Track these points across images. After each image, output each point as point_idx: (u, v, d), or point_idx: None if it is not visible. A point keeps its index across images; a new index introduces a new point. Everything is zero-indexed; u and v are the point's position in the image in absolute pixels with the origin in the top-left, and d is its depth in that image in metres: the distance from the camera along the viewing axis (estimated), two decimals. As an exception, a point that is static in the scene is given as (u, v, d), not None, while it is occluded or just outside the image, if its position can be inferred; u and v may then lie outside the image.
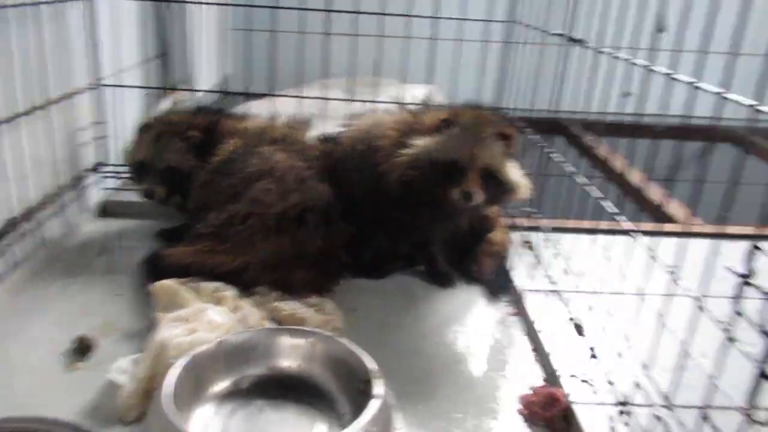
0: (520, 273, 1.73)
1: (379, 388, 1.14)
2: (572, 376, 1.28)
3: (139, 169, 1.89)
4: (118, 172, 2.18)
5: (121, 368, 1.25)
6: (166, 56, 2.71)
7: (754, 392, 0.79)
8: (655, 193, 1.99)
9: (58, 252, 1.82)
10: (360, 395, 1.19)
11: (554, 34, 1.71)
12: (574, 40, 1.58)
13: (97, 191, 2.15)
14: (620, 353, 1.16)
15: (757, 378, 0.79)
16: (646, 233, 1.16)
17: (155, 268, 1.61)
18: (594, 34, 1.51)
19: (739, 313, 0.83)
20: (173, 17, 2.69)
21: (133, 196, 2.00)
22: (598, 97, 1.40)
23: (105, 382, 1.25)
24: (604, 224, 1.55)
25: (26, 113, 1.66)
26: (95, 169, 2.13)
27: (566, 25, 1.59)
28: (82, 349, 1.37)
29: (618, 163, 2.12)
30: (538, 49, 1.86)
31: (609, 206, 1.29)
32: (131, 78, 2.31)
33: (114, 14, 2.02)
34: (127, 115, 2.19)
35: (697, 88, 1.01)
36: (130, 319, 1.51)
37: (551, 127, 1.68)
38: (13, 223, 1.64)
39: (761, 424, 0.86)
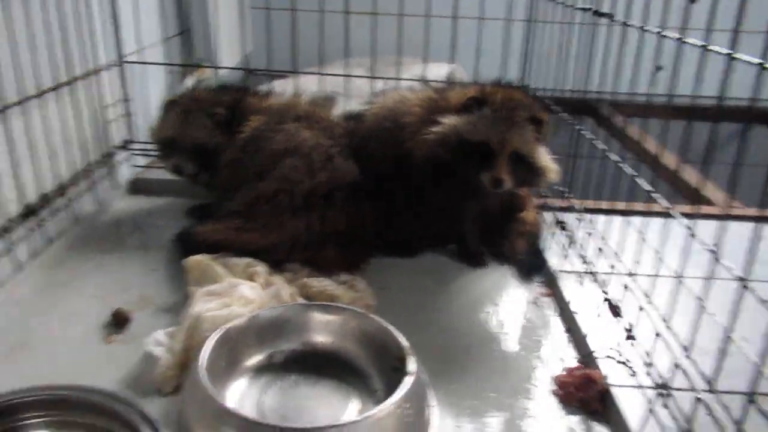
0: (553, 253, 1.71)
1: (412, 365, 1.14)
2: (608, 357, 1.27)
3: (167, 145, 1.90)
4: (146, 150, 2.19)
5: (158, 341, 1.26)
6: (187, 34, 2.70)
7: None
8: (690, 175, 1.96)
9: (91, 228, 1.84)
10: (393, 372, 1.19)
11: (580, 9, 1.68)
12: (601, 14, 1.54)
13: (126, 168, 2.16)
14: (658, 334, 1.15)
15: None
16: (683, 215, 1.14)
17: (186, 245, 1.62)
18: (621, 8, 1.47)
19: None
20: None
21: (162, 174, 2.01)
22: (627, 76, 1.37)
23: (142, 354, 1.26)
24: (638, 205, 1.53)
25: (53, 89, 1.67)
26: (124, 146, 2.14)
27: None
28: (118, 322, 1.38)
29: (650, 144, 2.09)
30: (562, 25, 1.81)
31: (644, 184, 1.27)
32: (154, 55, 2.30)
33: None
34: (151, 92, 2.19)
35: (733, 59, 0.94)
36: (164, 293, 1.52)
37: (579, 107, 1.65)
38: (46, 199, 1.65)
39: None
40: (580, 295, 1.51)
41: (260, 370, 1.24)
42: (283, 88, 2.12)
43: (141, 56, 2.13)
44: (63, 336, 1.36)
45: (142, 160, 2.21)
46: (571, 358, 1.36)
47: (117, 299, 1.47)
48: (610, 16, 1.45)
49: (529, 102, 1.65)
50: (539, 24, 2.03)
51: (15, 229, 1.53)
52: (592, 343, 1.33)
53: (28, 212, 1.58)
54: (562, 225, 1.71)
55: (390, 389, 1.14)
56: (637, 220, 1.40)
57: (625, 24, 1.34)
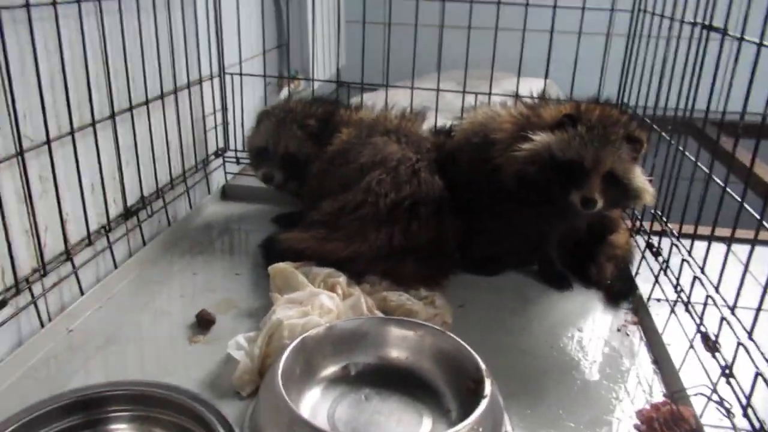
0: (644, 280, 1.62)
1: (489, 387, 1.11)
2: (700, 394, 1.18)
3: (259, 154, 1.96)
4: (238, 158, 2.28)
5: (238, 344, 1.29)
6: (285, 47, 2.79)
7: None
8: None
9: (183, 231, 1.93)
10: (468, 393, 1.16)
11: (689, 23, 1.58)
12: (712, 29, 1.44)
13: (220, 175, 2.26)
14: (759, 374, 1.06)
15: None
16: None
17: (271, 252, 1.67)
18: (734, 23, 1.37)
19: None
20: (292, 9, 2.77)
21: (252, 182, 2.08)
22: (739, 94, 1.28)
23: (223, 356, 1.31)
24: (742, 232, 1.43)
25: (159, 98, 1.77)
26: (218, 153, 2.24)
27: (701, 12, 1.46)
28: (203, 323, 1.44)
29: (761, 169, 1.93)
30: (667, 40, 1.72)
31: (752, 210, 1.17)
32: (252, 67, 2.40)
33: (237, 5, 2.11)
34: (248, 102, 2.28)
35: None
36: (247, 297, 1.57)
37: (682, 127, 1.56)
38: (145, 201, 1.75)
39: None
40: (671, 326, 1.41)
41: (334, 381, 1.25)
42: (373, 101, 2.15)
43: (240, 68, 2.22)
44: (151, 333, 1.43)
45: (234, 168, 2.30)
46: (657, 392, 1.28)
47: (203, 301, 1.53)
48: (723, 30, 1.36)
49: (626, 120, 1.58)
50: (641, 38, 1.94)
51: (115, 229, 1.62)
52: (684, 379, 1.24)
53: (128, 213, 1.67)
54: (655, 250, 1.62)
55: (464, 411, 1.12)
56: (740, 249, 1.30)
57: (741, 39, 1.25)
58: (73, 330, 1.40)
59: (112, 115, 1.56)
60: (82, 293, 1.48)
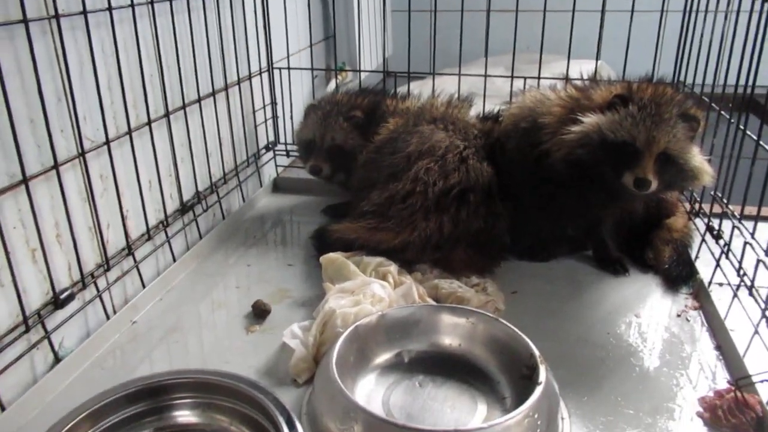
0: (705, 264, 1.57)
1: (543, 373, 1.10)
2: (766, 381, 1.14)
3: (307, 147, 1.99)
4: (288, 151, 2.31)
5: (294, 333, 1.32)
6: (332, 39, 2.81)
7: None
8: None
9: (237, 224, 1.97)
10: (523, 379, 1.16)
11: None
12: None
13: (271, 168, 2.30)
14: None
15: None
16: None
17: (322, 242, 1.69)
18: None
19: None
20: (338, 1, 2.79)
21: (302, 174, 2.11)
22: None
23: (279, 345, 1.34)
24: (809, 213, 1.36)
25: (210, 95, 1.81)
26: (269, 147, 2.27)
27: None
28: (258, 313, 1.47)
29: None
30: (726, 14, 1.65)
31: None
32: (300, 60, 2.42)
33: (284, 1, 2.13)
34: (297, 96, 2.31)
35: None
36: (300, 287, 1.60)
37: (744, 104, 1.50)
38: (199, 196, 1.80)
39: None
40: (734, 311, 1.37)
41: (388, 368, 1.26)
42: (420, 89, 2.14)
43: (288, 62, 2.25)
44: (210, 324, 1.47)
45: (285, 160, 2.33)
46: (721, 379, 1.24)
47: (258, 291, 1.57)
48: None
49: (681, 98, 1.52)
50: (698, 14, 1.86)
51: (173, 224, 1.68)
52: (748, 365, 1.20)
53: (184, 208, 1.73)
54: (716, 233, 1.56)
55: (519, 397, 1.12)
56: (807, 230, 1.24)
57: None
58: (137, 321, 1.46)
59: (167, 114, 1.61)
60: (144, 286, 1.54)
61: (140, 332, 1.42)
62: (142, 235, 1.56)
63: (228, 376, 1.14)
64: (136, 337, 1.40)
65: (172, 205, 1.69)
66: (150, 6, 1.51)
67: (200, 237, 1.80)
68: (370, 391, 1.20)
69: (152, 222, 1.59)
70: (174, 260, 1.67)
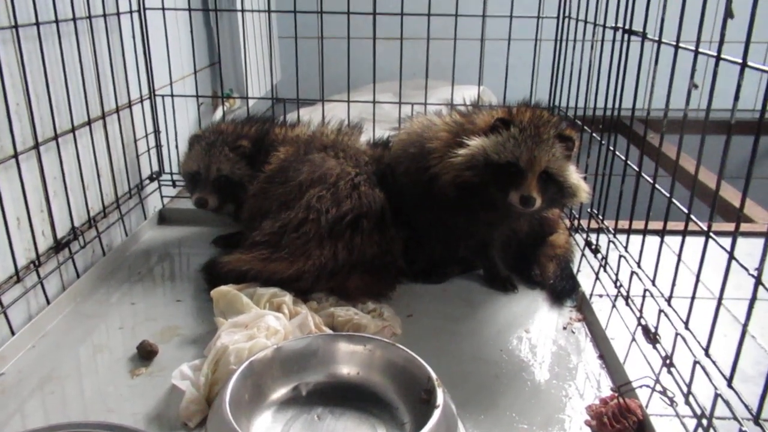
0: (585, 277, 1.66)
1: (441, 396, 1.10)
2: (645, 386, 1.21)
3: (192, 179, 1.93)
4: (174, 181, 2.22)
5: (183, 373, 1.26)
6: (218, 65, 2.75)
7: None
8: (728, 193, 1.89)
9: (120, 259, 1.86)
10: (421, 404, 1.16)
11: (610, 27, 1.65)
12: (632, 33, 1.50)
13: (156, 199, 2.19)
14: (697, 362, 1.09)
15: None
16: (721, 233, 1.08)
17: (213, 275, 1.63)
18: (653, 27, 1.43)
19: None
20: (222, 26, 2.73)
21: (190, 204, 2.03)
22: (661, 92, 1.33)
23: (168, 388, 1.26)
24: (673, 225, 1.48)
25: (86, 124, 1.71)
26: (153, 177, 2.17)
27: (622, 17, 1.52)
28: (145, 354, 1.38)
29: (686, 162, 2.02)
30: (592, 44, 1.79)
31: (680, 206, 1.22)
32: (184, 87, 2.35)
33: (165, 25, 2.06)
34: (182, 123, 2.23)
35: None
36: (190, 324, 1.53)
37: (611, 125, 1.61)
38: (76, 232, 1.68)
39: None
40: (613, 321, 1.45)
41: (285, 403, 1.23)
42: (310, 116, 2.13)
43: (171, 89, 2.17)
44: (90, 370, 1.37)
45: (171, 191, 2.24)
46: (605, 387, 1.31)
47: (144, 331, 1.48)
48: (642, 34, 1.41)
49: (556, 120, 1.62)
50: (568, 43, 2.00)
51: (45, 264, 1.55)
52: (627, 371, 1.27)
53: (59, 246, 1.60)
54: (594, 247, 1.66)
55: (418, 422, 1.11)
56: (673, 241, 1.34)
57: (659, 42, 1.31)
58: (5, 373, 1.33)
59: (36, 146, 1.50)
60: (13, 333, 1.41)
61: (9, 385, 1.29)
62: (10, 277, 1.43)
63: (111, 427, 1.05)
64: (4, 391, 1.27)
65: (45, 243, 1.56)
66: (14, 30, 1.40)
67: (78, 276, 1.68)
68: (267, 429, 1.16)
69: (22, 262, 1.46)
70: (48, 302, 1.54)
